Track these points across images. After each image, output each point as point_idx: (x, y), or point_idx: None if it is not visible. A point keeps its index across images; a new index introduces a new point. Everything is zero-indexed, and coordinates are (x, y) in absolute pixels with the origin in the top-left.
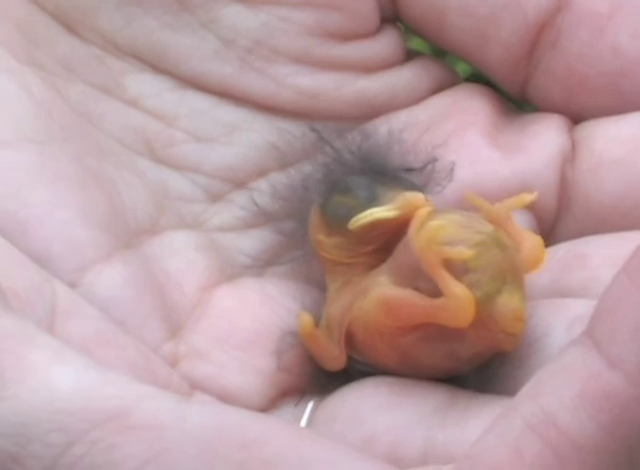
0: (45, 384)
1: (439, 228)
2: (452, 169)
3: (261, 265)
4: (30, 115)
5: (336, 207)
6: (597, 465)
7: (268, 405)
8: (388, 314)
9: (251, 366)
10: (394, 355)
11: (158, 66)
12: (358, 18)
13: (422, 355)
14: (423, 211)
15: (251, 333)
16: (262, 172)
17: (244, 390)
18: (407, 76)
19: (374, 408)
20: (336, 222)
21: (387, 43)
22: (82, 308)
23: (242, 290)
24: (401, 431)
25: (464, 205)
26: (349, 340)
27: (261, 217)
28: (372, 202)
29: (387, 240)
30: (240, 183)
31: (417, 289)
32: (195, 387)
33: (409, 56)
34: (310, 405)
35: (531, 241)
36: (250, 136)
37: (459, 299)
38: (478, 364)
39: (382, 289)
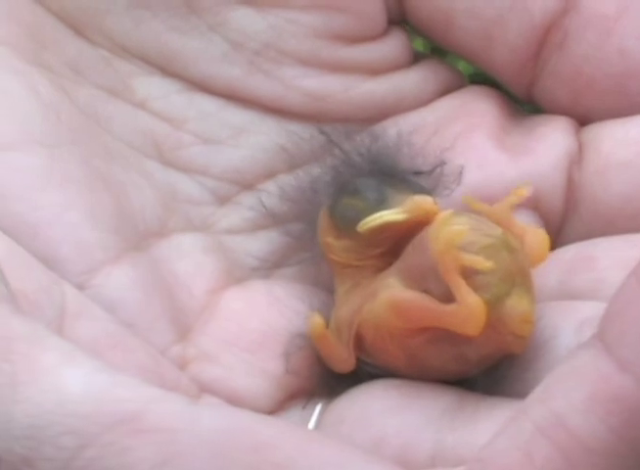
0: (57, 386)
1: (459, 233)
2: (461, 173)
3: (269, 267)
4: (39, 117)
5: (345, 209)
6: (607, 468)
7: (276, 408)
8: (398, 316)
9: (259, 369)
10: (403, 357)
11: (166, 68)
12: (365, 20)
13: (430, 358)
14: (445, 214)
15: (260, 335)
16: (270, 174)
17: (252, 392)
18: (414, 79)
19: (383, 411)
20: (345, 225)
21: (394, 45)
22: (91, 311)
23: (250, 292)
24: (410, 433)
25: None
26: (358, 342)
27: (269, 219)
28: (381, 204)
29: (395, 243)
30: (248, 185)
31: (426, 291)
32: (203, 389)
33: (416, 58)
34: (318, 408)
35: (535, 235)
36: (257, 138)
37: (471, 307)
38: (486, 367)
39: (392, 291)
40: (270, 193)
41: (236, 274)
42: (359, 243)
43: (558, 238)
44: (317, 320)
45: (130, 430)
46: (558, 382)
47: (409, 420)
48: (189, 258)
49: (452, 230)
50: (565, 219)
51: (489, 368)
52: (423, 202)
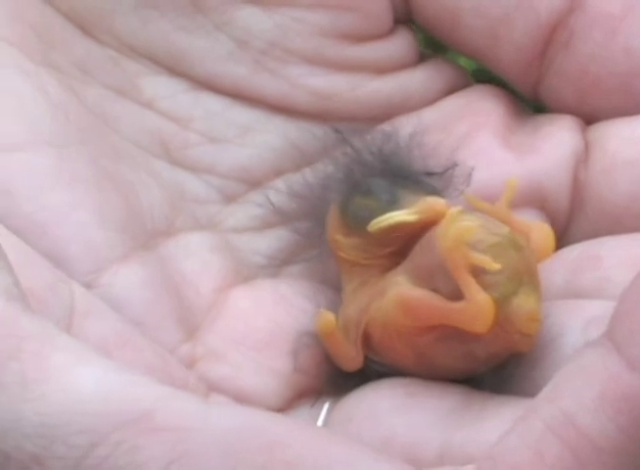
0: (68, 385)
1: (468, 230)
2: (470, 174)
3: (278, 265)
4: (47, 117)
5: (356, 208)
6: (616, 467)
7: (284, 406)
8: (407, 314)
9: (267, 367)
10: (411, 355)
11: (173, 68)
12: (371, 19)
13: (438, 356)
14: (454, 212)
15: (267, 334)
16: (277, 173)
17: (260, 391)
18: (420, 78)
19: (390, 409)
20: (355, 223)
21: (400, 44)
22: (100, 309)
23: (257, 291)
24: (418, 432)
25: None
26: (366, 340)
27: (277, 217)
28: (393, 205)
29: (404, 243)
30: (255, 184)
31: (435, 290)
32: (211, 388)
33: (422, 57)
34: (326, 406)
35: (540, 231)
36: (264, 137)
37: (480, 305)
38: (493, 365)
39: (400, 289)
40: (278, 191)
41: (243, 273)
42: (368, 241)
43: (564, 237)
44: (327, 317)
45: (141, 428)
46: (567, 381)
47: (417, 419)
48: (196, 257)
49: (461, 227)
50: (571, 218)
51: (496, 367)
52: (435, 203)
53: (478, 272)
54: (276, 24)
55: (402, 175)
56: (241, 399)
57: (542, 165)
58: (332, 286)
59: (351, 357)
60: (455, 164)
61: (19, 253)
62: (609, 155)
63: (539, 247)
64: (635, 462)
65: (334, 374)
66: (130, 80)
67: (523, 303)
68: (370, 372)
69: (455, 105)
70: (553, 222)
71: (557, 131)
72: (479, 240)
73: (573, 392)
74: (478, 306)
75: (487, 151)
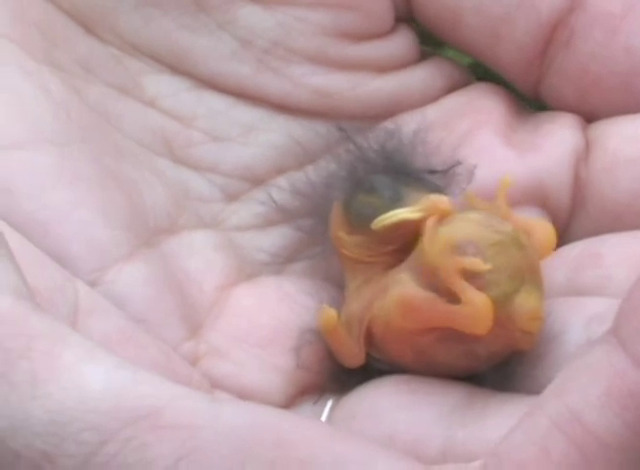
0: (77, 383)
1: (450, 235)
2: (473, 172)
3: (281, 262)
4: (49, 115)
5: (360, 205)
6: (623, 463)
7: (288, 403)
8: (407, 316)
9: (270, 364)
10: (412, 354)
11: (175, 66)
12: (373, 18)
13: (440, 354)
14: (430, 222)
15: (270, 331)
16: (280, 171)
17: (263, 388)
18: (421, 76)
19: (393, 407)
20: (359, 221)
21: (401, 43)
22: (104, 307)
23: (260, 288)
24: (421, 429)
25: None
26: (369, 338)
27: (280, 215)
28: (396, 202)
29: (407, 241)
30: (258, 182)
31: (438, 289)
32: (214, 385)
33: (423, 55)
34: (329, 403)
35: (542, 228)
36: (267, 136)
37: (477, 306)
38: (495, 363)
39: (402, 289)
40: (281, 189)
41: (246, 270)
42: (372, 239)
43: (565, 234)
44: (330, 313)
45: (150, 426)
46: (573, 378)
47: (419, 416)
48: (199, 255)
49: (443, 233)
50: (572, 216)
51: (499, 364)
52: (438, 201)
53: (477, 272)
54: (278, 23)
55: (405, 173)
56: (244, 395)
57: (543, 163)
58: (335, 283)
59: (354, 354)
60: (458, 162)
61: (22, 251)
62: (610, 153)
63: (540, 244)
64: None
65: (336, 371)
66: (133, 79)
67: (524, 301)
68: (372, 369)
69: (456, 103)
70: (554, 220)
71: (558, 129)
72: (481, 238)
73: (579, 388)
74: (476, 309)
75: (489, 149)
